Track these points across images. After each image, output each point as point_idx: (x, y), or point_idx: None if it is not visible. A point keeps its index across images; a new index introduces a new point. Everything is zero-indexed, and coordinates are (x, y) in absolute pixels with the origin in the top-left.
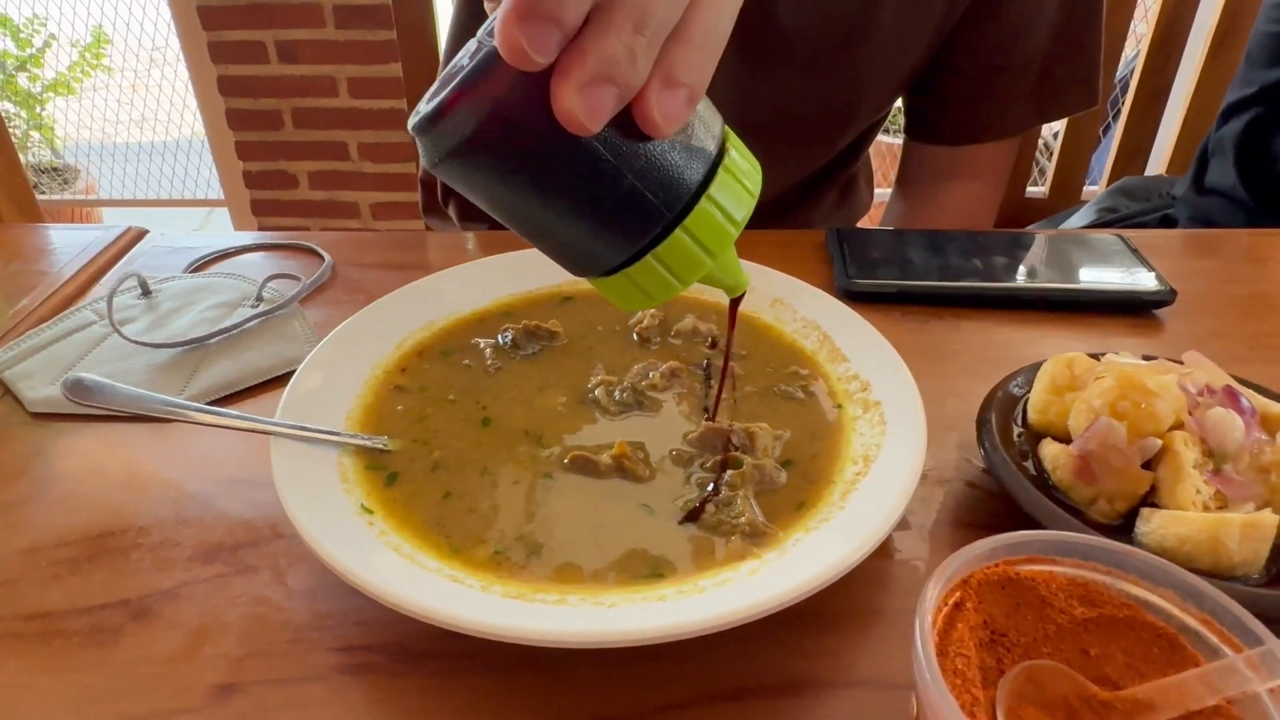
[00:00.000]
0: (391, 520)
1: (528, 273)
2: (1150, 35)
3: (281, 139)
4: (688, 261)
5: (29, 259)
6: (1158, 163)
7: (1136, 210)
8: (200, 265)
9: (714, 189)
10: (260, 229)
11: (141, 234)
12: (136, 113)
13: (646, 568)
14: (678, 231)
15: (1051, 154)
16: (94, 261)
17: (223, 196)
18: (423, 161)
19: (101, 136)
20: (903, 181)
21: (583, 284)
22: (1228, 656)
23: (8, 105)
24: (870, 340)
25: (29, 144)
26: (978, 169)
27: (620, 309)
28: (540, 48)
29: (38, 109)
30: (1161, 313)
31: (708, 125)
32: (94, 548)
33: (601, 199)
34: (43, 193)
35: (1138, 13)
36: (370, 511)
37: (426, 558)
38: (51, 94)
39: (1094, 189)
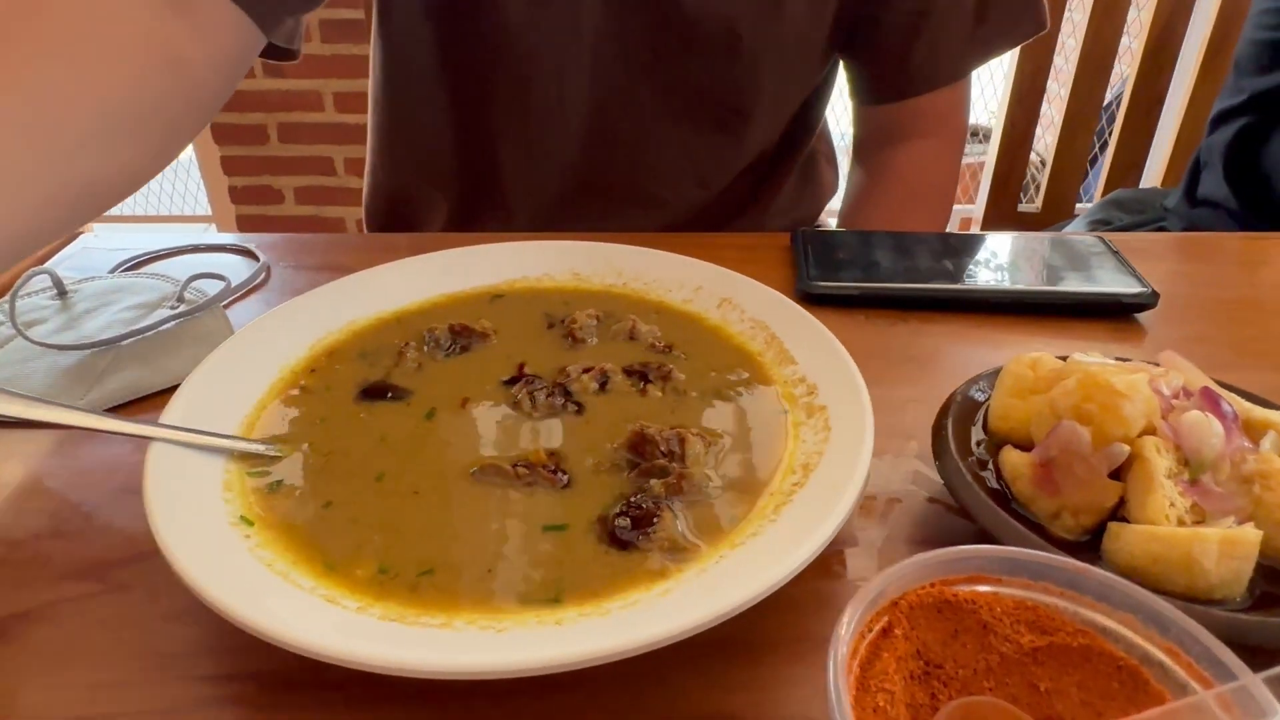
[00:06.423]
0: (269, 532)
1: (457, 272)
2: (1143, 47)
3: (267, 154)
4: None
5: None
6: (1153, 177)
7: (1130, 223)
8: (131, 266)
9: None
10: None
11: (74, 235)
12: None
13: (549, 589)
14: None
15: (1044, 168)
16: (24, 263)
17: (210, 212)
18: None
19: None
20: (857, 150)
21: (514, 282)
22: (1196, 693)
23: None
24: (821, 342)
25: None
26: (927, 124)
27: None
28: None
29: None
30: (1143, 317)
31: None
32: None
33: None
34: None
35: (1131, 26)
36: (249, 523)
37: (300, 575)
38: None
39: (1087, 206)
